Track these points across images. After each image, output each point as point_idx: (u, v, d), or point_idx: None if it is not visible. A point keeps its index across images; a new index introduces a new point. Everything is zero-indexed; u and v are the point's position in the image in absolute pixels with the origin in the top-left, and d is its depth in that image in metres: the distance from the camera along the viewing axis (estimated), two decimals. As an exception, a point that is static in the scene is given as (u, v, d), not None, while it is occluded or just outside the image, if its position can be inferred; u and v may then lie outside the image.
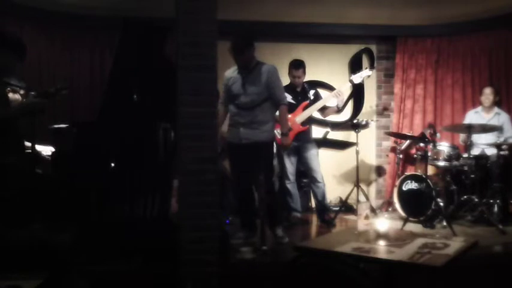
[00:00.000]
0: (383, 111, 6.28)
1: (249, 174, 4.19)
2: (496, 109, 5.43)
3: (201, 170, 3.21)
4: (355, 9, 5.76)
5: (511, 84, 5.68)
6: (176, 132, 3.62)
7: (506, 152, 5.08)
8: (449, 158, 5.20)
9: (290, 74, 5.02)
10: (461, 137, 5.53)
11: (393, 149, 6.10)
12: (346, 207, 5.53)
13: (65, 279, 2.96)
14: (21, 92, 3.71)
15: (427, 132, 5.36)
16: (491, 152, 5.17)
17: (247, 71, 4.17)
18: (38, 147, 3.85)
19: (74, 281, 2.98)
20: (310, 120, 5.05)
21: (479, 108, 5.55)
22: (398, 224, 4.74)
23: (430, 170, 5.23)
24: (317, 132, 5.62)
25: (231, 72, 4.26)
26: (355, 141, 5.42)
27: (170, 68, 3.50)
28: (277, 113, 4.32)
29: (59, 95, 3.75)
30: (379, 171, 6.32)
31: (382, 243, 2.39)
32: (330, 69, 6.13)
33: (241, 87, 4.16)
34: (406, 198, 5.21)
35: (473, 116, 5.51)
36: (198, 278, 3.17)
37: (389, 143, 6.22)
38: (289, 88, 4.93)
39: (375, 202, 6.09)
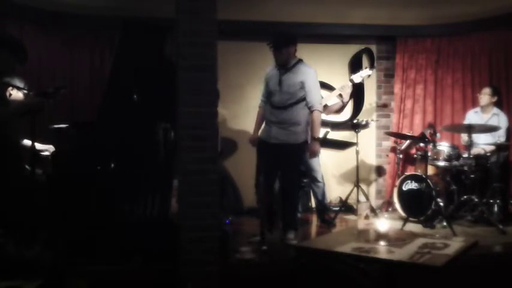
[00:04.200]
0: (383, 107, 6.27)
1: (274, 174, 4.25)
2: (494, 109, 5.42)
3: (201, 170, 3.21)
4: (355, 9, 5.76)
5: (511, 84, 5.67)
6: (176, 132, 3.62)
7: (506, 152, 5.09)
8: (449, 158, 5.20)
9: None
10: (463, 137, 5.53)
11: (393, 149, 6.10)
12: (346, 207, 5.52)
13: (64, 280, 2.96)
14: (24, 91, 3.72)
15: (427, 132, 5.36)
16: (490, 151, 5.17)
17: (286, 69, 4.19)
18: (38, 146, 3.86)
19: (74, 282, 2.98)
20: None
21: (478, 108, 5.55)
22: (398, 224, 4.74)
23: (430, 170, 5.23)
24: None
25: (271, 69, 4.31)
26: (355, 141, 5.42)
27: (170, 68, 3.50)
28: None
29: (58, 95, 3.75)
30: (379, 171, 6.32)
31: (382, 243, 2.39)
32: (330, 69, 6.12)
33: (277, 84, 4.19)
34: (406, 198, 5.21)
35: (473, 116, 5.51)
36: (198, 278, 3.17)
37: (389, 143, 6.22)
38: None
39: (375, 202, 6.09)
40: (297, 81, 4.15)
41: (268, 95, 4.31)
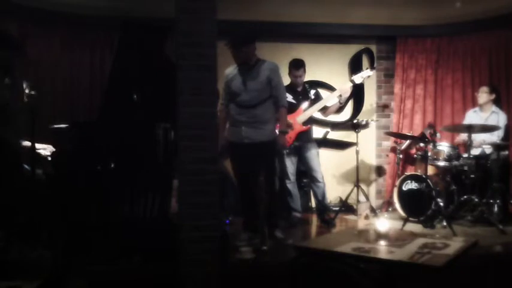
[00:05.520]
0: (383, 109, 6.28)
1: (252, 175, 4.15)
2: (493, 108, 5.43)
3: (201, 170, 3.21)
4: (355, 9, 5.76)
5: (511, 84, 5.67)
6: (176, 132, 3.62)
7: (506, 152, 5.09)
8: (449, 158, 5.20)
9: (290, 73, 5.01)
10: (461, 136, 5.54)
11: (393, 149, 6.10)
12: (346, 207, 5.52)
13: (64, 280, 2.96)
14: (26, 91, 3.73)
15: (427, 132, 5.36)
16: (490, 151, 5.17)
17: (248, 67, 4.12)
18: (38, 146, 3.87)
19: (74, 282, 2.98)
20: (311, 120, 5.06)
21: (477, 108, 5.56)
22: (398, 224, 4.74)
23: (430, 170, 5.22)
24: (317, 132, 5.62)
25: (231, 70, 4.22)
26: (355, 141, 5.42)
27: (170, 68, 3.51)
28: None
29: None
30: (379, 171, 6.32)
31: (382, 243, 2.39)
32: (330, 69, 6.13)
33: (241, 84, 4.10)
34: (406, 198, 5.21)
35: (473, 115, 5.51)
36: (198, 278, 3.17)
37: (389, 143, 6.22)
38: (290, 88, 4.93)
39: (375, 202, 6.09)
40: (263, 78, 4.08)
41: (231, 96, 4.19)
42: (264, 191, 4.03)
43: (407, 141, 5.86)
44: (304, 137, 4.92)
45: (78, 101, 5.53)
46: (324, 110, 5.10)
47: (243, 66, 4.14)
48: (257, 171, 4.11)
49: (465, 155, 5.05)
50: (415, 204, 5.04)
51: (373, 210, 5.38)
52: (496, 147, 5.03)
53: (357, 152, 5.33)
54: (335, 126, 5.95)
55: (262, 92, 4.10)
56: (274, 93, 4.12)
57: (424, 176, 5.01)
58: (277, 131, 4.38)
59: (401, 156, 5.95)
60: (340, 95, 5.00)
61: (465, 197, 4.95)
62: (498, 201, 4.98)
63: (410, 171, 5.85)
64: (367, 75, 5.22)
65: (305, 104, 4.97)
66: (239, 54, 4.09)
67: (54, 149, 4.04)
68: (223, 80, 4.22)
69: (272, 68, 4.15)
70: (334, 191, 5.88)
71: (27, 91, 3.75)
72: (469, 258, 2.57)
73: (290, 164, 4.96)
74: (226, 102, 4.24)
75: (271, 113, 4.17)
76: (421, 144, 5.34)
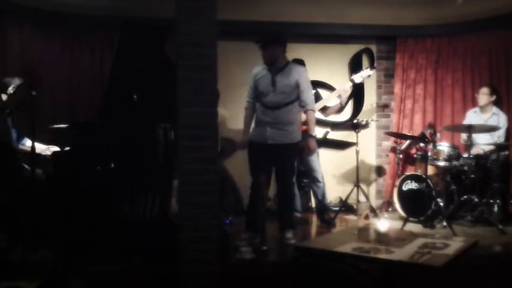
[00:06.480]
0: (383, 109, 6.28)
1: (267, 175, 4.19)
2: (494, 109, 5.42)
3: (201, 170, 3.22)
4: (355, 9, 5.76)
5: (511, 84, 5.67)
6: (176, 132, 3.62)
7: (506, 152, 5.09)
8: (449, 158, 5.20)
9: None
10: (462, 136, 5.53)
11: (393, 149, 6.10)
12: (346, 207, 5.52)
13: (64, 280, 2.97)
14: (25, 91, 3.74)
15: (427, 132, 5.36)
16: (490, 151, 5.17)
17: (277, 69, 4.14)
18: (42, 147, 3.87)
19: (74, 282, 2.99)
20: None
21: (477, 108, 5.55)
22: (398, 224, 4.74)
23: (430, 170, 5.22)
24: (317, 132, 5.60)
25: (259, 70, 4.23)
26: (355, 141, 5.42)
27: (170, 68, 3.51)
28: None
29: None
30: (379, 171, 6.32)
31: (382, 243, 2.39)
32: (330, 69, 6.12)
33: (270, 85, 4.12)
34: (406, 198, 5.21)
35: (473, 116, 5.51)
36: (198, 278, 3.17)
37: (389, 143, 6.22)
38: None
39: (375, 202, 6.08)
40: (292, 81, 4.12)
41: (257, 96, 4.22)
42: (266, 191, 4.06)
43: (407, 141, 5.86)
44: (304, 137, 4.92)
45: (78, 101, 5.53)
46: (324, 110, 5.10)
47: (272, 67, 4.15)
48: (277, 172, 4.18)
49: (465, 155, 5.05)
50: (415, 204, 5.04)
51: (373, 210, 5.38)
52: (497, 147, 5.03)
53: (357, 152, 5.33)
54: (335, 126, 5.95)
55: (290, 95, 4.13)
56: (302, 96, 4.15)
57: (424, 176, 5.01)
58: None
59: (401, 156, 5.95)
60: (340, 95, 5.00)
61: (465, 197, 4.94)
62: (498, 201, 4.98)
63: (410, 171, 5.84)
64: (367, 75, 5.22)
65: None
66: (266, 54, 4.11)
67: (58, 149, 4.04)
68: (251, 79, 4.25)
69: (300, 70, 4.20)
70: (334, 191, 5.88)
71: (25, 90, 3.75)
72: (469, 258, 2.57)
73: (290, 164, 4.95)
74: (253, 100, 4.27)
75: (295, 115, 4.20)
76: (421, 144, 5.34)
